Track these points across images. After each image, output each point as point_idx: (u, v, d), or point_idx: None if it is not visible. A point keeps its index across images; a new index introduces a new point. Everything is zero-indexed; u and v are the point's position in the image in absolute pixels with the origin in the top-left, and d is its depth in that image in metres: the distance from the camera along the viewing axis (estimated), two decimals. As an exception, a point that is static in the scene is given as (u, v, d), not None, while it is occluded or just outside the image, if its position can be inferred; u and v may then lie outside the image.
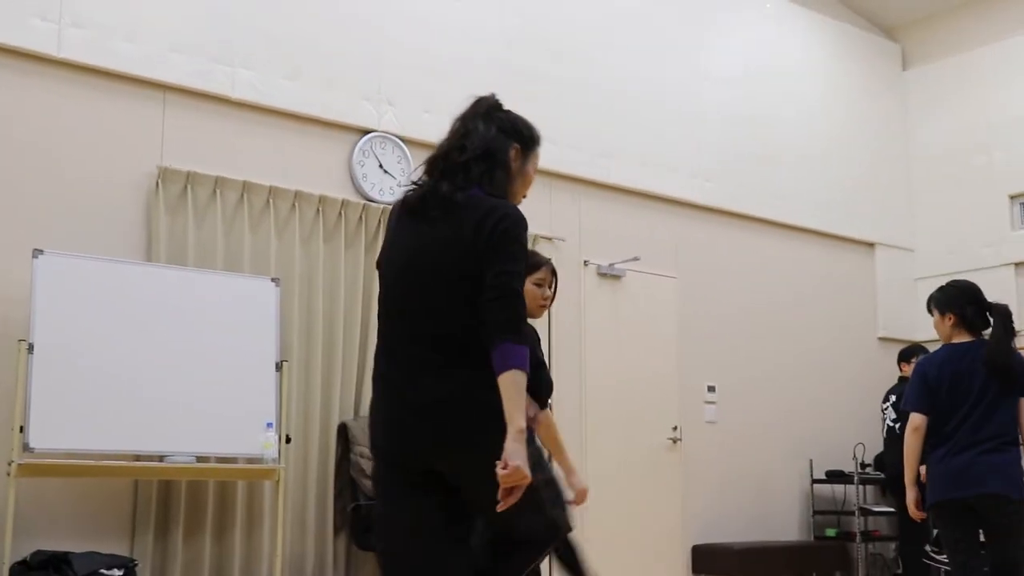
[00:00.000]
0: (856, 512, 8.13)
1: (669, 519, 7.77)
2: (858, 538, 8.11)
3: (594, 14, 7.83)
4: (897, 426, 7.31)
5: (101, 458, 5.14)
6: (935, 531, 6.92)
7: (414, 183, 2.83)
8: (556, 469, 4.15)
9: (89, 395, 5.06)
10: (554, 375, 7.13)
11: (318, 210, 6.25)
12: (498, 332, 2.54)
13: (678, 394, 7.96)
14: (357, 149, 6.51)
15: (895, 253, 9.63)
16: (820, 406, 8.80)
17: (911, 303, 9.43)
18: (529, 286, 4.04)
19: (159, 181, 5.72)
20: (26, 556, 4.95)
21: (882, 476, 8.05)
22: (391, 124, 6.65)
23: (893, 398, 7.50)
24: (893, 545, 8.59)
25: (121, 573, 4.99)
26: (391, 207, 2.92)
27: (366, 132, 6.56)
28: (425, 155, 7.24)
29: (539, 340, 4.23)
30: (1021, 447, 4.68)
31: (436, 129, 7.08)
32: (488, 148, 2.78)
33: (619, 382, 7.61)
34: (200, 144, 5.94)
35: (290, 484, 5.84)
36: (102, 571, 4.94)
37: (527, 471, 2.46)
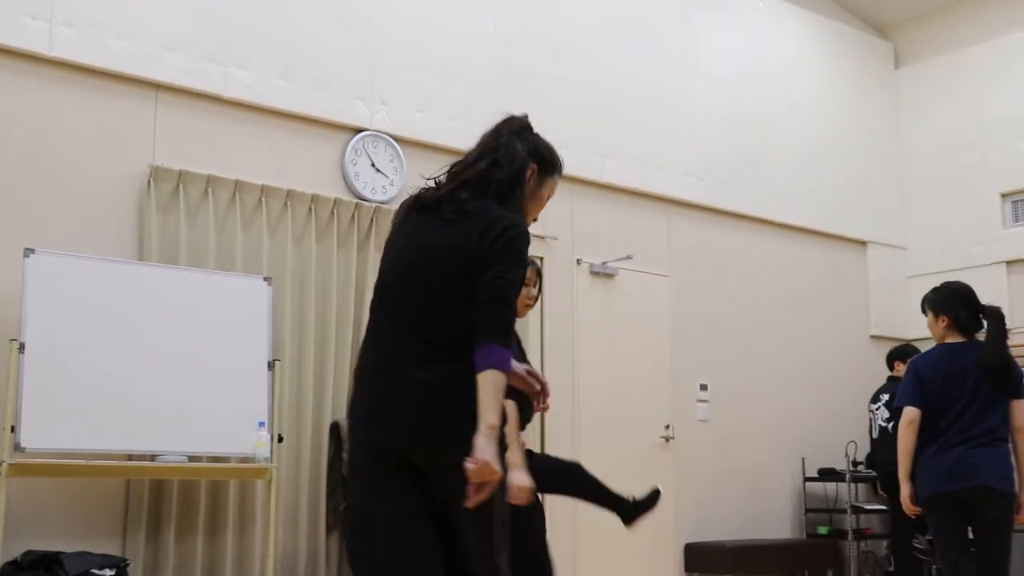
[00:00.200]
0: (848, 510, 8.14)
1: (662, 518, 7.75)
2: (850, 536, 8.13)
3: (589, 14, 7.83)
4: (890, 425, 7.33)
5: (93, 457, 5.12)
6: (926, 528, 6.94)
7: (434, 183, 2.88)
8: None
9: (81, 394, 5.05)
10: (547, 374, 7.16)
11: (310, 209, 6.24)
12: (486, 333, 2.59)
13: (671, 393, 7.97)
14: (349, 148, 6.50)
15: (888, 251, 9.65)
16: (812, 404, 8.81)
17: (904, 301, 9.45)
18: None
19: (151, 180, 5.70)
20: (17, 556, 4.94)
21: (874, 474, 8.07)
22: (384, 123, 6.64)
23: (886, 397, 7.51)
24: (885, 543, 8.61)
25: (113, 573, 4.98)
26: (402, 202, 2.94)
27: (358, 131, 6.55)
28: (418, 154, 7.29)
29: (519, 340, 4.28)
30: (1010, 445, 4.72)
31: (429, 128, 7.17)
32: (519, 167, 2.84)
33: (611, 381, 7.62)
34: (192, 143, 5.93)
35: (282, 483, 5.83)
36: (93, 571, 4.93)
37: (497, 467, 2.49)
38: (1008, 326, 4.81)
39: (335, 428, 6.07)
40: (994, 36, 9.31)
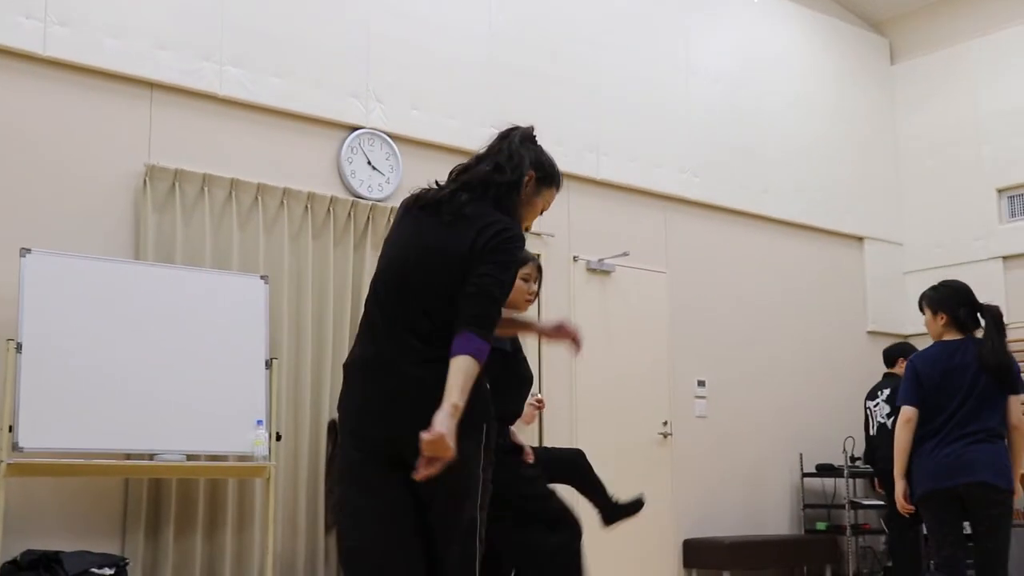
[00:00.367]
0: (846, 505, 8.16)
1: (660, 514, 7.77)
2: (848, 531, 8.14)
3: (584, 12, 7.83)
4: (890, 421, 7.33)
5: (91, 457, 5.13)
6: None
7: (435, 184, 2.94)
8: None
9: (79, 394, 5.05)
10: (544, 371, 7.18)
11: (306, 207, 6.24)
12: (466, 322, 2.66)
13: (668, 389, 7.98)
14: (345, 146, 6.50)
15: (884, 247, 9.65)
16: (810, 400, 8.82)
17: (900, 297, 9.46)
18: (516, 281, 4.07)
19: (147, 179, 5.70)
20: (16, 556, 4.94)
21: (872, 470, 8.07)
22: (379, 120, 6.64)
23: (887, 392, 7.50)
24: (883, 538, 8.61)
25: (112, 572, 4.99)
26: (403, 200, 2.98)
27: (354, 129, 6.55)
28: (414, 152, 7.30)
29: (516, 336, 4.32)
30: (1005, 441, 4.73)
31: (425, 126, 7.17)
32: (519, 172, 2.91)
33: (609, 377, 7.62)
34: (188, 142, 5.93)
35: (281, 481, 5.83)
36: (93, 570, 4.93)
37: (451, 444, 2.52)
38: (1005, 322, 4.83)
39: (333, 425, 6.01)
40: (990, 31, 9.31)
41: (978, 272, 8.86)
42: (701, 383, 8.20)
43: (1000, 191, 9.13)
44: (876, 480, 7.94)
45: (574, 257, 7.57)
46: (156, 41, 5.83)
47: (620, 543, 7.42)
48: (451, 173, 2.95)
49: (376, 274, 2.90)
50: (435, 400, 2.61)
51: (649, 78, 8.15)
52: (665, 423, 7.89)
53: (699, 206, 8.38)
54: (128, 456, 5.27)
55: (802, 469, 8.55)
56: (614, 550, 7.37)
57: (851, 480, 8.27)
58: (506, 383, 4.08)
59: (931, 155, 9.60)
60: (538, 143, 3.02)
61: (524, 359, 4.32)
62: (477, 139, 6.67)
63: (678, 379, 8.05)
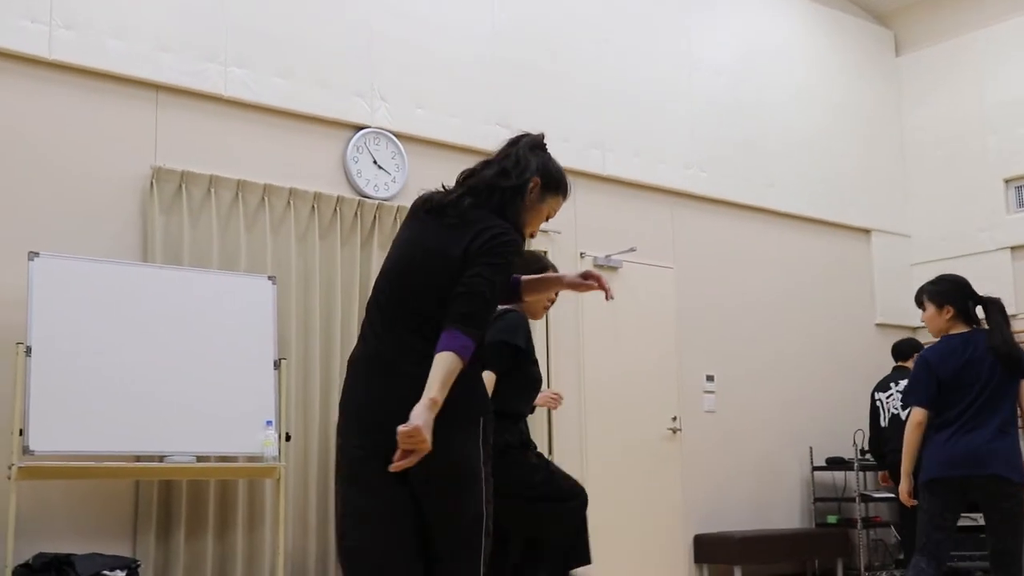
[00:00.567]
0: (857, 498, 8.14)
1: (670, 509, 7.78)
2: (859, 524, 8.12)
3: (586, 8, 7.82)
4: (905, 412, 7.31)
5: (101, 459, 5.14)
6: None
7: (443, 188, 2.98)
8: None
9: (88, 397, 5.06)
10: (552, 368, 7.18)
11: (313, 207, 6.25)
12: (453, 319, 2.68)
13: (677, 384, 7.97)
14: (351, 145, 6.50)
15: (891, 239, 9.63)
16: (819, 393, 8.81)
17: (908, 289, 9.35)
18: None
19: (153, 181, 5.71)
20: (28, 559, 4.95)
21: (880, 462, 8.05)
22: (384, 120, 6.64)
23: (903, 383, 7.47)
24: (894, 530, 8.60)
25: (124, 574, 5.00)
26: (414, 201, 3.01)
27: (360, 128, 6.55)
28: (419, 150, 7.30)
29: (529, 335, 4.33)
30: (1021, 430, 4.73)
31: (430, 124, 7.17)
32: (524, 178, 2.93)
33: (618, 374, 7.62)
34: (194, 143, 5.93)
35: (291, 481, 5.84)
36: (105, 572, 4.94)
37: (427, 437, 2.54)
38: (1013, 311, 4.85)
39: (342, 425, 6.07)
40: (994, 22, 9.29)
41: (986, 263, 8.86)
42: (710, 378, 8.19)
43: (1007, 181, 9.11)
44: (883, 472, 7.93)
45: (581, 254, 7.56)
46: (160, 43, 5.84)
47: (631, 540, 7.44)
48: (458, 177, 2.98)
49: (380, 274, 2.94)
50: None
51: (652, 73, 8.14)
52: (674, 418, 7.88)
53: (705, 201, 8.37)
54: (138, 458, 5.28)
55: (812, 463, 8.54)
56: (626, 547, 7.37)
57: (861, 473, 8.25)
58: (515, 380, 4.09)
59: (937, 146, 9.58)
60: (547, 151, 3.03)
61: (535, 361, 4.33)
62: (482, 137, 6.76)
63: (686, 374, 8.05)
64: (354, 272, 6.35)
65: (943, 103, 9.60)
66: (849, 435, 8.31)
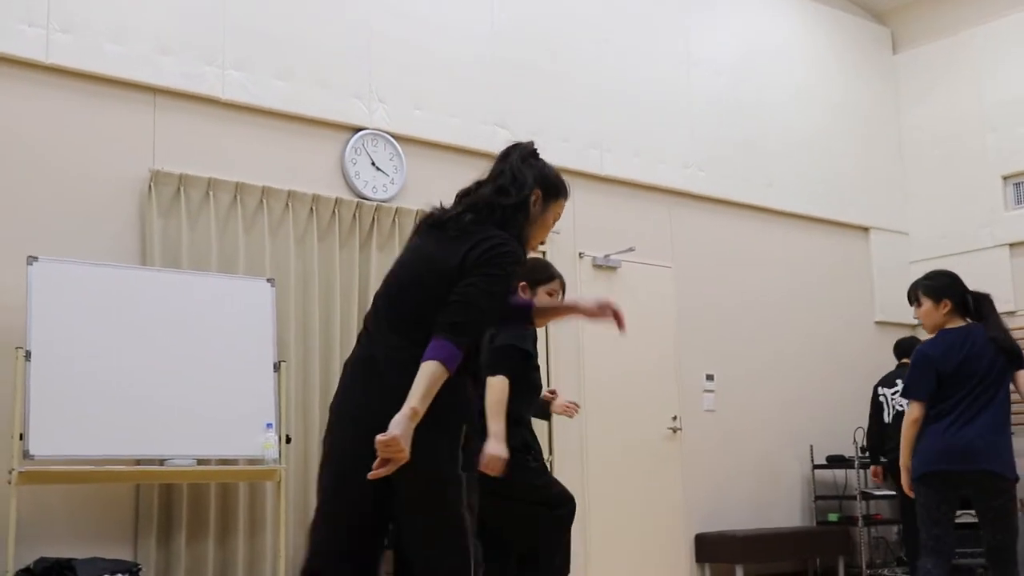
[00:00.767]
0: (858, 496, 8.14)
1: (671, 509, 7.77)
2: (860, 522, 8.12)
3: (585, 6, 7.82)
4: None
5: (102, 463, 5.12)
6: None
7: (445, 207, 2.99)
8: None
9: (88, 401, 5.05)
10: (553, 368, 7.17)
11: (312, 209, 6.24)
12: (442, 328, 2.69)
13: (677, 384, 7.97)
14: (349, 147, 6.50)
15: (890, 237, 9.63)
16: (819, 391, 8.81)
17: (907, 287, 9.39)
18: (542, 296, 4.25)
19: (151, 184, 5.70)
20: (30, 563, 4.95)
21: (883, 460, 8.05)
22: (382, 121, 6.64)
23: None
24: (896, 528, 8.60)
25: (125, 578, 5.00)
26: (422, 216, 3.03)
27: (357, 130, 6.55)
28: (418, 152, 7.30)
29: (535, 339, 4.36)
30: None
31: (428, 125, 7.16)
32: (524, 194, 2.93)
33: (617, 373, 7.61)
34: (192, 146, 5.93)
35: (291, 484, 5.83)
36: (106, 576, 4.94)
37: (405, 446, 2.55)
38: (1012, 308, 4.87)
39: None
40: (992, 19, 9.28)
41: (984, 260, 8.86)
42: (709, 377, 8.19)
43: (1005, 178, 9.11)
44: (875, 467, 7.92)
45: (580, 254, 7.56)
46: (158, 46, 5.83)
47: (632, 539, 7.43)
48: (456, 197, 2.99)
49: (382, 282, 2.97)
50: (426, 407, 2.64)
51: (651, 73, 8.13)
52: (674, 418, 7.88)
53: (704, 200, 8.36)
54: (138, 462, 5.27)
55: (812, 461, 8.54)
56: (627, 547, 7.38)
57: (862, 471, 8.25)
58: (517, 384, 4.09)
59: (935, 144, 9.58)
60: (539, 158, 3.02)
61: (537, 367, 4.35)
62: (481, 137, 6.75)
63: (686, 373, 8.04)
64: (353, 274, 6.34)
65: (941, 100, 9.59)
66: (849, 433, 8.31)
